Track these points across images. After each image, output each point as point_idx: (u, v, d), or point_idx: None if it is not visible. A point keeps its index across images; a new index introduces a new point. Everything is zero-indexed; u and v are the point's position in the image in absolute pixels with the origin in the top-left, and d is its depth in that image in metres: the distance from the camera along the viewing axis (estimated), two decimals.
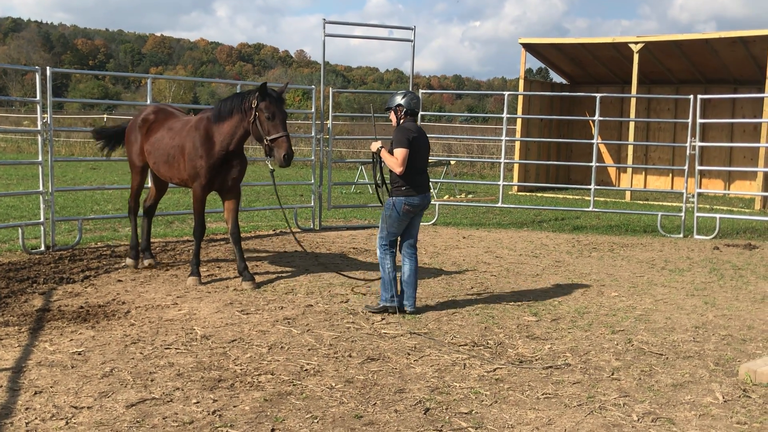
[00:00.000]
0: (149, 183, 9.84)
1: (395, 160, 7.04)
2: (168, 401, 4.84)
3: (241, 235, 11.80)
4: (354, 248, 11.04)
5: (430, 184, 7.55)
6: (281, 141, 7.72)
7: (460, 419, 4.69)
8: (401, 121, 7.25)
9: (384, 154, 7.21)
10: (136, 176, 9.34)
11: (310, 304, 7.54)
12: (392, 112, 7.31)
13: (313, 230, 12.84)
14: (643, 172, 22.54)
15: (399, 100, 7.25)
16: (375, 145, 7.35)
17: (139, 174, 9.30)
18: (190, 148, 8.24)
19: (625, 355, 6.10)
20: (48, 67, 10.20)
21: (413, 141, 7.06)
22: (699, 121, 13.24)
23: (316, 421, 4.60)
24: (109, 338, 6.20)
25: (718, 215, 13.30)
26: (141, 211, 9.62)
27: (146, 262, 9.20)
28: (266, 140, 7.78)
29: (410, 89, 13.82)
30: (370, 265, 9.69)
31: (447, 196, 18.89)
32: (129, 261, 9.10)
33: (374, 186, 7.69)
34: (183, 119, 8.81)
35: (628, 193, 19.75)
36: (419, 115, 7.45)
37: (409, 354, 5.99)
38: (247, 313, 7.11)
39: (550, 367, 5.76)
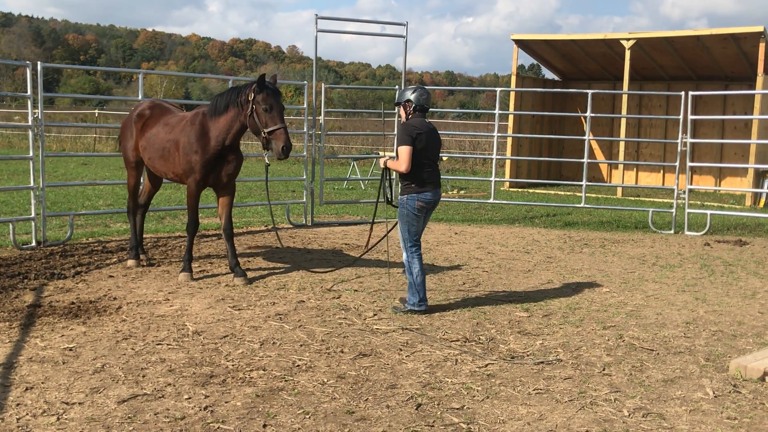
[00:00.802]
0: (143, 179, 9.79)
1: (399, 161, 7.00)
2: (159, 397, 4.84)
3: (234, 231, 11.81)
4: (346, 244, 11.04)
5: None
6: (279, 133, 7.70)
7: (451, 414, 4.70)
8: (409, 116, 7.20)
9: (390, 164, 7.16)
10: (131, 173, 9.28)
11: (302, 300, 7.54)
12: (401, 108, 7.26)
13: (306, 226, 12.83)
14: (635, 169, 22.61)
15: (408, 95, 7.18)
16: (382, 161, 7.29)
17: (134, 170, 9.24)
18: (185, 143, 8.21)
19: (616, 351, 6.12)
20: (39, 62, 10.15)
21: (418, 137, 6.97)
22: (690, 117, 13.29)
23: (307, 416, 4.60)
24: (101, 334, 6.18)
25: (708, 211, 13.35)
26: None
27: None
28: (264, 132, 7.77)
29: (403, 84, 13.82)
30: (362, 261, 9.69)
31: None
32: (130, 262, 8.98)
33: (385, 202, 7.66)
34: (178, 115, 8.78)
35: (619, 190, 19.82)
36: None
37: (401, 350, 6.00)
38: (239, 309, 7.10)
39: (542, 362, 5.78)
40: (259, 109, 7.77)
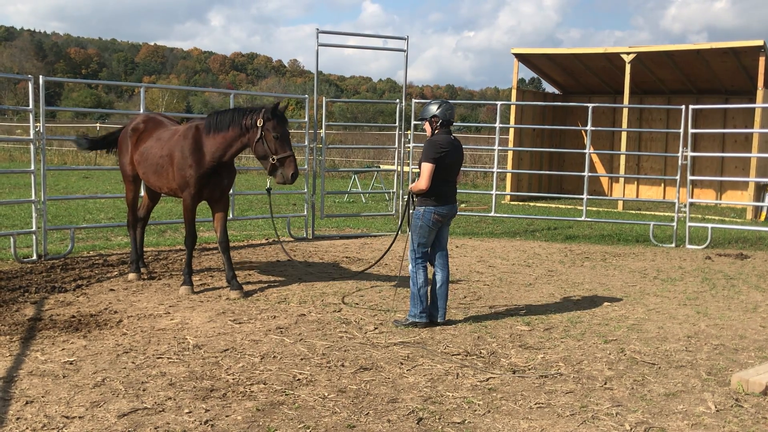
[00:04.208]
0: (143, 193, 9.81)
1: (420, 180, 6.98)
2: (160, 411, 4.82)
3: (234, 244, 11.80)
4: (346, 257, 11.03)
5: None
6: (290, 160, 7.90)
7: (453, 429, 4.69)
8: (435, 131, 7.15)
9: (414, 187, 7.11)
10: (129, 186, 9.31)
11: (303, 313, 7.53)
12: (426, 123, 7.22)
13: (306, 239, 12.83)
14: (636, 182, 22.63)
15: (434, 110, 7.11)
16: (412, 187, 7.23)
17: (132, 184, 9.26)
18: (179, 158, 8.24)
19: (618, 365, 6.11)
20: (41, 76, 10.19)
21: (441, 157, 6.94)
22: (690, 131, 13.31)
23: (308, 430, 4.59)
24: (101, 348, 6.17)
25: (709, 225, 13.35)
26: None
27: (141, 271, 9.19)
28: (273, 158, 7.91)
29: (403, 98, 13.86)
30: (363, 274, 9.68)
31: None
32: (131, 276, 8.99)
33: (403, 223, 7.70)
34: (171, 129, 8.81)
35: (620, 203, 19.82)
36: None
37: (402, 363, 5.98)
38: (240, 323, 7.09)
39: (543, 376, 5.76)
40: (269, 136, 7.89)
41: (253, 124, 7.96)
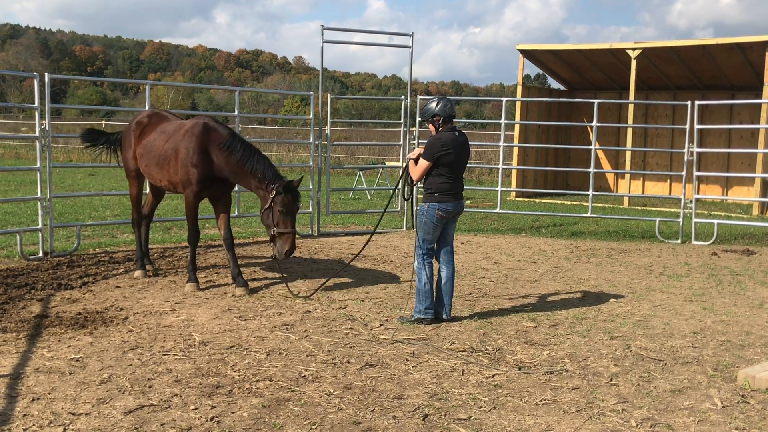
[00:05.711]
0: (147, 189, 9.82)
1: (416, 169, 7.10)
2: (166, 408, 4.83)
3: (240, 241, 11.83)
4: (352, 254, 11.03)
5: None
6: (288, 237, 7.92)
7: (458, 425, 4.69)
8: (439, 129, 7.14)
9: (410, 165, 7.22)
10: (132, 182, 9.31)
11: (308, 310, 7.54)
12: (429, 123, 7.22)
13: (312, 236, 12.84)
14: (641, 178, 22.57)
15: (434, 108, 7.10)
16: (413, 153, 7.31)
17: (135, 180, 9.27)
18: (184, 154, 8.24)
19: (624, 361, 6.10)
20: (46, 74, 10.21)
21: (442, 156, 6.96)
22: (696, 127, 13.27)
23: (314, 427, 4.59)
24: (107, 344, 6.19)
25: (715, 221, 13.31)
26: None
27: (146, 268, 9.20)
28: (273, 230, 7.96)
29: (408, 95, 13.84)
30: (368, 272, 9.69)
31: None
32: (137, 273, 9.00)
33: (401, 190, 7.81)
34: (176, 122, 8.81)
35: (626, 199, 19.78)
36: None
37: (407, 360, 5.99)
38: (246, 319, 7.10)
39: (549, 372, 5.76)
40: (275, 207, 7.93)
41: (269, 189, 8.00)
